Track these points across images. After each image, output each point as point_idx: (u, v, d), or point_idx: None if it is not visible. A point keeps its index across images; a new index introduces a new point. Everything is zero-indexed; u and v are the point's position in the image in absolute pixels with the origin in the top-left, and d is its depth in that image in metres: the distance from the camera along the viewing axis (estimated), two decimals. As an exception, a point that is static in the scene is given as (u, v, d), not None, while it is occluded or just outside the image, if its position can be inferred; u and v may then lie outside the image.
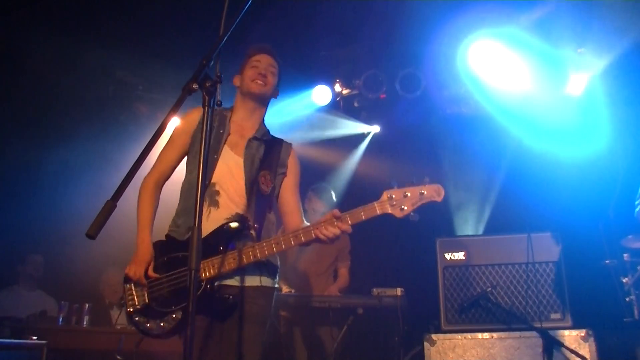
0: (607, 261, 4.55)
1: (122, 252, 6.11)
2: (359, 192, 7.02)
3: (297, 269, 5.31)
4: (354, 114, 6.91)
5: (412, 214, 2.83)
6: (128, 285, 2.96)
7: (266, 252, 2.82)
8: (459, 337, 4.33)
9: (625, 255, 4.43)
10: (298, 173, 3.21)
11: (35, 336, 4.40)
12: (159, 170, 3.09)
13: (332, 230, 2.81)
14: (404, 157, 6.57)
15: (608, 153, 5.29)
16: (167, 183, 3.16)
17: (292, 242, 2.84)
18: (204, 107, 2.10)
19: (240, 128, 3.13)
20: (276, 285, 3.07)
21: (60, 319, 5.05)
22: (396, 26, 5.75)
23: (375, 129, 7.16)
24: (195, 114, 3.11)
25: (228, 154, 3.05)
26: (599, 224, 4.91)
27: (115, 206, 1.94)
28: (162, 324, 2.86)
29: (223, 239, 2.87)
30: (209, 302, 2.81)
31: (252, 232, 2.92)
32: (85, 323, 5.08)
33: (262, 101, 3.19)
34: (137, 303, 2.92)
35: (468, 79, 6.05)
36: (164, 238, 3.02)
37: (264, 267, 2.98)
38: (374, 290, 4.94)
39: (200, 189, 2.07)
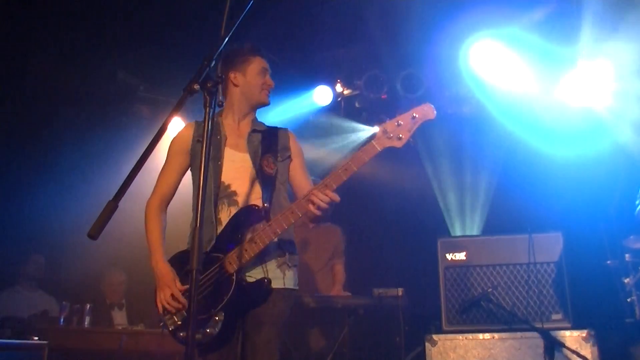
0: (608, 262, 4.55)
1: (123, 253, 6.16)
2: (360, 192, 7.03)
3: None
4: (355, 115, 6.90)
5: (411, 139, 2.77)
6: (167, 317, 2.93)
7: (278, 227, 2.82)
8: (460, 337, 4.33)
9: (626, 255, 4.42)
10: (302, 154, 3.24)
11: (36, 336, 4.41)
12: (161, 192, 3.11)
13: (320, 197, 2.75)
14: (405, 156, 6.57)
15: (610, 153, 5.28)
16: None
17: (291, 218, 2.82)
18: (205, 107, 2.10)
19: (235, 129, 3.15)
20: (297, 287, 3.08)
21: (62, 319, 5.06)
22: (398, 26, 5.75)
23: (376, 129, 7.13)
24: (185, 131, 3.14)
25: (232, 154, 3.07)
26: (601, 224, 4.91)
27: (117, 207, 1.94)
28: (207, 330, 2.83)
29: (238, 228, 2.89)
30: (244, 294, 2.82)
31: (262, 212, 2.91)
32: (86, 323, 5.09)
33: (259, 108, 3.25)
34: (177, 320, 2.89)
35: (470, 80, 6.05)
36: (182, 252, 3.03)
37: (286, 264, 3.01)
38: (375, 290, 4.94)
39: (202, 189, 2.07)
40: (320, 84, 6.60)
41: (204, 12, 4.82)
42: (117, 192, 1.95)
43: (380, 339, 5.20)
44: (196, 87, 2.07)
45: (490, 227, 6.14)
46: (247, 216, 2.91)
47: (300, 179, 3.18)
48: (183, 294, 2.85)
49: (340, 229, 5.66)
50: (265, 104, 3.20)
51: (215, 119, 3.10)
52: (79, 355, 4.86)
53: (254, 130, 3.14)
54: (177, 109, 2.11)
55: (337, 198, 2.79)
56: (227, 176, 3.02)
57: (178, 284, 2.87)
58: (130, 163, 1.99)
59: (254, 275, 2.91)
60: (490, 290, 4.46)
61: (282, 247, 3.01)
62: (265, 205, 2.93)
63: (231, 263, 2.83)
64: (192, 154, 3.08)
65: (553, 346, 4.05)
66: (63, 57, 5.89)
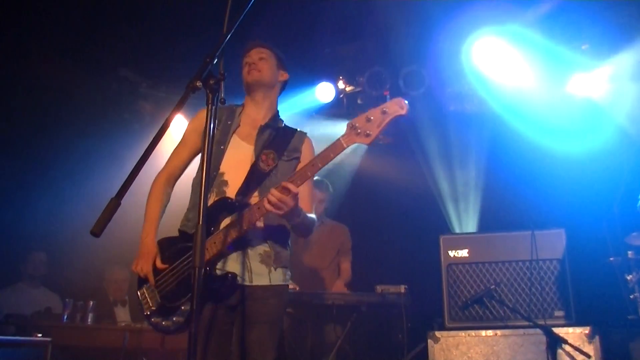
0: (611, 259, 4.54)
1: (126, 250, 6.13)
2: (362, 189, 7.03)
3: (300, 265, 5.32)
4: (358, 111, 6.89)
5: (380, 136, 2.59)
6: (141, 290, 2.96)
7: (244, 224, 2.73)
8: (463, 334, 4.32)
9: (629, 252, 4.42)
10: None
11: (40, 333, 4.43)
12: (170, 167, 3.11)
13: (274, 195, 2.62)
14: (407, 153, 6.57)
15: (612, 150, 5.27)
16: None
17: (257, 213, 2.73)
18: (207, 104, 2.11)
19: (252, 120, 3.12)
20: (288, 282, 3.00)
21: (65, 316, 5.08)
22: (400, 23, 5.74)
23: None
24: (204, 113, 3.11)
25: (238, 143, 3.04)
26: (603, 221, 4.90)
27: (120, 204, 1.94)
28: (175, 319, 2.82)
29: (211, 220, 2.81)
30: (210, 286, 2.74)
31: (235, 205, 2.83)
32: (89, 320, 5.10)
33: (263, 88, 3.15)
34: (151, 305, 2.91)
35: (472, 77, 6.04)
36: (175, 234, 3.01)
37: (271, 258, 2.92)
38: (378, 287, 4.94)
39: (204, 187, 2.07)
40: (323, 81, 6.59)
41: (207, 9, 4.82)
42: (120, 189, 1.95)
43: (382, 336, 5.20)
44: (198, 84, 2.07)
45: (493, 224, 6.14)
46: (220, 209, 2.84)
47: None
48: (157, 280, 2.86)
49: (346, 227, 5.67)
50: (248, 83, 3.12)
51: (233, 108, 3.15)
52: (82, 352, 4.87)
53: (267, 126, 3.10)
54: (179, 106, 2.11)
55: (289, 202, 2.63)
56: (225, 164, 2.97)
57: (158, 261, 2.88)
58: (133, 160, 1.99)
59: (229, 268, 2.83)
60: (492, 287, 4.46)
61: (267, 239, 2.93)
62: (238, 197, 2.84)
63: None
64: (203, 135, 3.03)
65: (555, 343, 4.05)
66: (65, 55, 5.90)
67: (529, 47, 5.60)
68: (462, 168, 6.54)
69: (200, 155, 3.03)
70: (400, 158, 6.58)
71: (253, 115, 3.14)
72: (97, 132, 6.36)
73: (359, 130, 2.61)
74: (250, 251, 2.89)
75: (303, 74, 6.19)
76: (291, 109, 6.40)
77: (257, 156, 2.98)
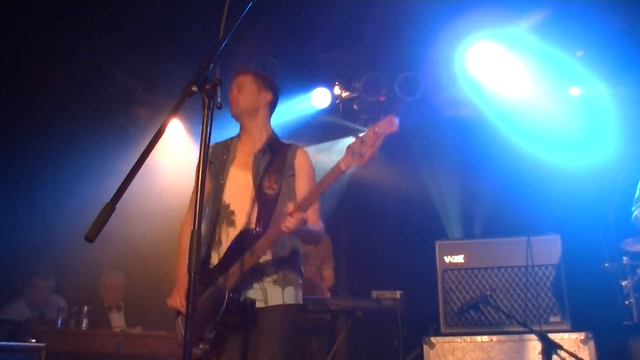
0: (606, 264, 4.54)
1: (120, 255, 6.15)
2: (357, 194, 7.03)
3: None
4: (354, 117, 6.90)
5: (376, 154, 2.71)
6: (177, 320, 3.11)
7: (260, 251, 2.88)
8: (459, 340, 4.33)
9: (624, 258, 4.42)
10: (309, 172, 3.23)
11: (34, 339, 4.39)
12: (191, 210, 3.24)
13: (291, 222, 2.76)
14: (403, 159, 6.57)
15: (608, 156, 5.29)
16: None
17: (270, 237, 2.87)
18: (203, 109, 2.10)
19: (247, 148, 3.23)
20: (300, 302, 3.13)
21: (59, 322, 5.04)
22: (396, 28, 5.75)
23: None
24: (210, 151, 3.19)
25: (236, 174, 3.16)
26: (599, 227, 4.91)
27: (115, 209, 1.93)
28: (201, 346, 2.93)
29: (235, 251, 2.96)
30: (232, 313, 2.91)
31: (255, 234, 2.96)
32: (84, 326, 5.06)
33: (247, 117, 3.25)
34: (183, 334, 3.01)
35: (467, 82, 6.05)
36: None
37: (285, 280, 3.05)
38: (373, 292, 4.94)
39: (199, 194, 2.07)
40: (319, 87, 6.60)
41: (203, 13, 4.82)
42: (115, 194, 1.94)
43: (378, 342, 5.19)
44: (194, 89, 2.07)
45: (489, 230, 6.14)
46: (242, 240, 2.97)
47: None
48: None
49: (327, 236, 5.69)
50: (233, 115, 3.26)
51: (228, 142, 3.28)
52: (77, 358, 4.84)
53: (263, 150, 3.19)
54: (175, 110, 2.10)
55: (301, 226, 2.78)
56: (228, 196, 3.12)
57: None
58: (128, 165, 1.98)
59: (248, 294, 2.98)
60: (488, 292, 4.46)
61: (277, 267, 3.06)
62: (257, 228, 2.99)
63: (226, 282, 2.92)
64: (208, 175, 3.14)
65: (551, 348, 4.05)
66: (61, 59, 5.88)
67: (525, 53, 5.61)
68: (458, 174, 6.54)
69: (213, 182, 3.17)
70: (395, 164, 6.58)
71: (247, 143, 3.25)
72: (92, 136, 6.34)
73: (355, 153, 2.72)
74: (265, 278, 3.03)
75: (299, 79, 6.20)
76: (287, 115, 6.40)
77: (260, 183, 3.09)
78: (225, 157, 3.20)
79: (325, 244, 5.68)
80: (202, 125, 2.09)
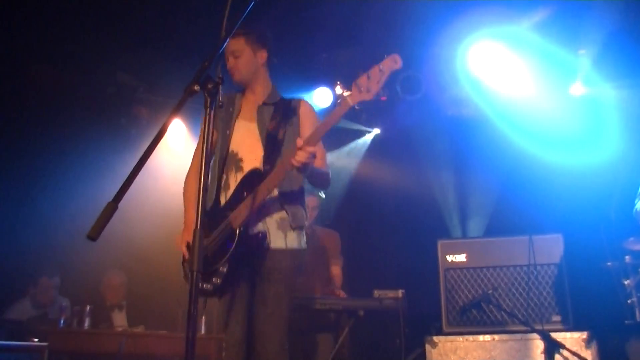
0: (608, 263, 4.53)
1: (122, 254, 6.16)
2: (359, 193, 7.03)
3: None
4: (355, 116, 6.90)
5: (381, 92, 2.88)
6: (185, 262, 3.19)
7: (271, 184, 2.99)
8: (461, 339, 4.32)
9: (626, 257, 4.41)
10: (314, 117, 3.34)
11: (36, 338, 4.40)
12: (196, 163, 3.36)
13: (301, 155, 2.85)
14: (404, 158, 6.57)
15: (609, 155, 5.28)
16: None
17: (280, 173, 2.98)
18: (205, 109, 2.10)
19: (251, 102, 3.34)
20: (304, 247, 3.22)
21: (62, 321, 5.05)
22: (397, 28, 5.75)
23: (376, 131, 7.16)
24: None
25: (241, 124, 3.29)
26: (601, 226, 4.90)
27: (117, 208, 1.93)
28: (214, 280, 3.01)
29: (243, 190, 3.07)
30: (245, 246, 2.99)
31: (263, 172, 3.06)
32: (86, 325, 5.07)
33: (248, 79, 3.33)
34: None
35: (469, 82, 6.04)
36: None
37: (290, 226, 3.15)
38: (375, 292, 4.93)
39: (201, 194, 2.07)
40: (320, 86, 6.60)
41: (204, 13, 4.82)
42: (117, 193, 1.94)
43: (380, 341, 5.19)
44: (196, 88, 2.07)
45: (491, 229, 6.14)
46: (251, 179, 3.07)
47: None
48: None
49: (337, 233, 5.69)
50: (237, 83, 3.35)
51: (233, 95, 3.39)
52: (79, 357, 4.86)
53: (265, 103, 3.31)
54: (176, 110, 2.10)
55: (310, 159, 2.88)
56: (235, 145, 3.24)
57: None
58: (130, 164, 1.99)
59: (258, 229, 3.08)
60: (490, 291, 4.46)
61: (283, 204, 3.15)
62: (266, 167, 3.09)
63: (235, 219, 3.00)
64: (217, 127, 3.29)
65: (553, 348, 4.05)
66: (62, 59, 5.88)
67: (527, 51, 5.60)
68: (460, 173, 6.54)
69: (220, 133, 3.28)
70: (397, 163, 6.59)
71: (251, 98, 3.35)
72: (94, 136, 6.34)
73: (362, 89, 2.88)
74: (268, 219, 3.13)
75: (300, 79, 6.20)
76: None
77: (266, 129, 3.21)
78: (230, 109, 3.32)
79: (333, 240, 5.62)
80: (204, 124, 2.09)
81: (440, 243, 4.74)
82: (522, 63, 5.68)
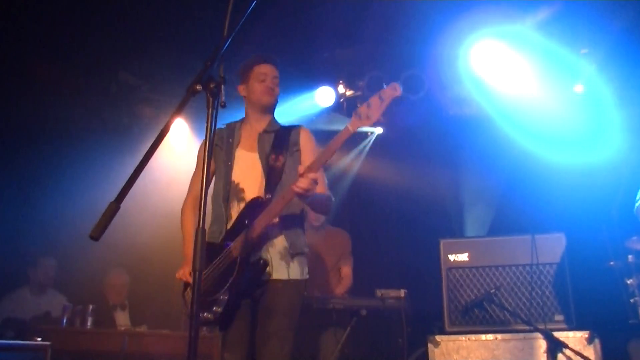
0: (611, 263, 4.52)
1: (126, 254, 6.16)
2: (361, 193, 7.03)
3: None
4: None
5: (381, 118, 2.92)
6: (186, 292, 3.21)
7: (272, 213, 3.03)
8: (463, 338, 4.32)
9: (629, 256, 4.40)
10: (314, 146, 3.38)
11: (39, 337, 4.41)
12: (193, 191, 3.42)
13: (303, 182, 2.91)
14: (407, 158, 6.56)
15: (612, 154, 5.27)
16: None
17: (282, 201, 3.01)
18: (207, 108, 2.10)
19: (251, 131, 3.38)
20: (306, 277, 3.25)
21: (64, 320, 5.06)
22: (399, 27, 5.74)
23: (378, 130, 7.16)
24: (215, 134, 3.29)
25: (242, 154, 3.32)
26: (603, 225, 4.89)
27: (119, 208, 1.94)
28: (214, 309, 3.04)
29: (245, 219, 3.11)
30: (245, 275, 3.02)
31: (265, 202, 3.11)
32: (89, 324, 5.08)
33: (272, 109, 3.45)
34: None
35: (471, 81, 6.03)
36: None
37: (290, 255, 3.17)
38: (378, 291, 4.94)
39: (204, 194, 2.09)
40: (322, 85, 6.60)
41: (207, 12, 4.82)
42: (120, 193, 1.94)
43: (382, 340, 5.19)
44: (198, 87, 2.08)
45: (493, 228, 6.13)
46: (253, 208, 3.11)
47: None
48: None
49: (347, 233, 5.71)
50: (268, 105, 3.40)
51: (232, 126, 3.44)
52: (82, 357, 4.85)
53: (265, 131, 3.35)
54: (179, 109, 2.11)
55: (312, 186, 2.92)
56: (237, 175, 3.27)
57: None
58: (133, 164, 1.99)
59: (257, 257, 3.10)
60: (492, 291, 4.45)
61: (282, 230, 3.19)
62: (267, 196, 3.13)
63: (236, 248, 3.04)
64: (215, 154, 3.35)
65: (556, 347, 4.05)
66: (64, 58, 5.88)
67: (529, 50, 5.59)
68: (462, 172, 6.53)
69: (222, 164, 3.31)
70: (399, 162, 6.58)
71: (253, 126, 3.40)
72: (96, 135, 6.35)
73: (362, 116, 2.92)
74: (270, 248, 3.16)
75: (303, 78, 6.20)
76: (291, 114, 6.41)
77: (267, 159, 3.25)
78: (230, 140, 3.35)
79: (344, 240, 5.66)
80: (207, 124, 2.09)
81: (442, 242, 4.74)
82: (525, 62, 5.67)
